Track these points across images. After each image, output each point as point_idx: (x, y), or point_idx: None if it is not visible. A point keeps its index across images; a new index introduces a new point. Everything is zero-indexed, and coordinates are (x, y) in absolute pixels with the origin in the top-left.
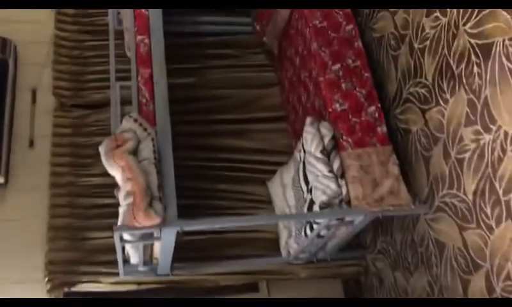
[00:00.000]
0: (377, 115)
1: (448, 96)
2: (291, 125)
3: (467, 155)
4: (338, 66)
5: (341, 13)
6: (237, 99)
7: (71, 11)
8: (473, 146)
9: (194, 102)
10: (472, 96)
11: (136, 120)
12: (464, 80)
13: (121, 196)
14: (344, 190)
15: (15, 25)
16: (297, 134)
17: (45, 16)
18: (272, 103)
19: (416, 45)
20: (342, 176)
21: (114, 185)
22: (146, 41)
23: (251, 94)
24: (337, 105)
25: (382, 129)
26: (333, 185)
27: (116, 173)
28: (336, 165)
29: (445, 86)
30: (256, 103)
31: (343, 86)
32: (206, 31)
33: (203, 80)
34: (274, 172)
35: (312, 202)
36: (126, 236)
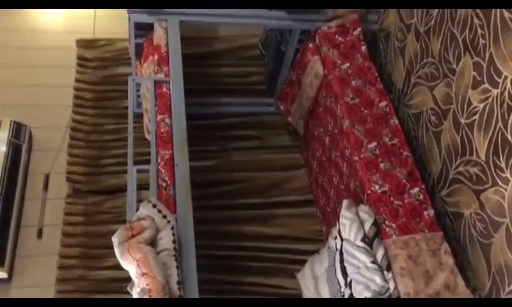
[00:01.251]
0: (422, 197)
1: (508, 174)
2: (321, 209)
3: None
4: (374, 144)
5: (373, 89)
6: (261, 182)
7: (89, 95)
8: None
9: (217, 186)
10: None
11: (154, 206)
12: None
13: (135, 292)
14: (392, 285)
15: (32, 110)
16: (328, 219)
17: (64, 101)
18: (299, 186)
19: (462, 120)
20: (388, 268)
21: (129, 280)
22: (167, 121)
23: (276, 177)
24: (376, 187)
25: (429, 213)
26: (378, 279)
27: (131, 267)
28: (380, 255)
29: (502, 164)
30: (282, 187)
31: (381, 165)
32: (228, 112)
33: (226, 163)
34: (303, 262)
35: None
36: None
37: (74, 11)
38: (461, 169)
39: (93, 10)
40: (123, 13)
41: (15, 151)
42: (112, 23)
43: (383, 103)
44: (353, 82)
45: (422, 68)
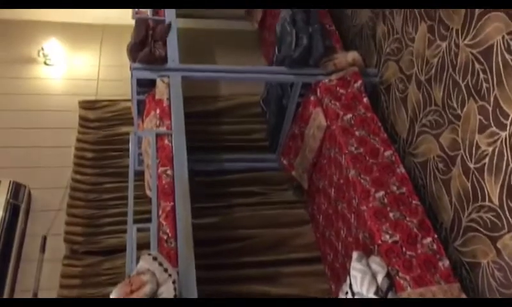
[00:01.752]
0: (435, 247)
1: None
2: (329, 266)
3: None
4: (382, 193)
5: (377, 139)
6: (266, 240)
7: (90, 154)
8: None
9: (220, 244)
10: None
11: (155, 258)
12: None
13: None
14: None
15: (33, 170)
16: (337, 276)
17: (64, 161)
18: (305, 243)
19: (471, 166)
20: None
21: None
22: (169, 172)
23: (281, 233)
24: (387, 237)
25: (444, 264)
26: None
27: None
28: None
29: None
30: (288, 244)
31: (391, 215)
32: (230, 169)
33: (229, 220)
34: None
35: None
36: None
37: (78, 73)
38: (474, 216)
39: (96, 72)
40: (126, 75)
41: (12, 211)
42: (115, 85)
43: (388, 153)
44: (357, 133)
45: (425, 116)
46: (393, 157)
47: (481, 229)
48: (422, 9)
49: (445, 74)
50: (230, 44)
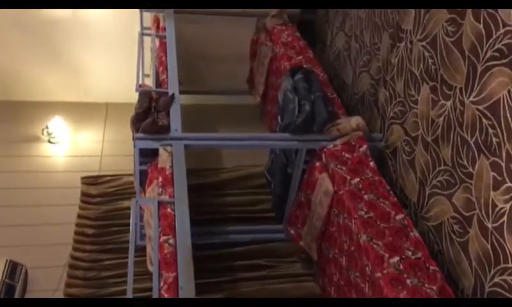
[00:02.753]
0: None
1: None
2: None
3: None
4: (396, 259)
5: (387, 202)
6: None
7: (90, 230)
8: None
9: None
10: None
11: None
12: None
13: None
14: None
15: (31, 249)
16: None
17: (65, 239)
18: None
19: (490, 225)
20: None
21: None
22: (171, 241)
23: None
24: None
25: None
26: None
27: None
28: None
29: None
30: None
31: (408, 281)
32: (235, 241)
33: (234, 295)
34: None
35: None
36: None
37: (81, 150)
38: (497, 280)
39: (100, 148)
40: (129, 150)
41: (7, 291)
42: (118, 160)
43: (400, 216)
44: (365, 197)
45: (435, 177)
46: (405, 221)
47: (506, 294)
48: (423, 72)
49: (452, 133)
50: (232, 118)
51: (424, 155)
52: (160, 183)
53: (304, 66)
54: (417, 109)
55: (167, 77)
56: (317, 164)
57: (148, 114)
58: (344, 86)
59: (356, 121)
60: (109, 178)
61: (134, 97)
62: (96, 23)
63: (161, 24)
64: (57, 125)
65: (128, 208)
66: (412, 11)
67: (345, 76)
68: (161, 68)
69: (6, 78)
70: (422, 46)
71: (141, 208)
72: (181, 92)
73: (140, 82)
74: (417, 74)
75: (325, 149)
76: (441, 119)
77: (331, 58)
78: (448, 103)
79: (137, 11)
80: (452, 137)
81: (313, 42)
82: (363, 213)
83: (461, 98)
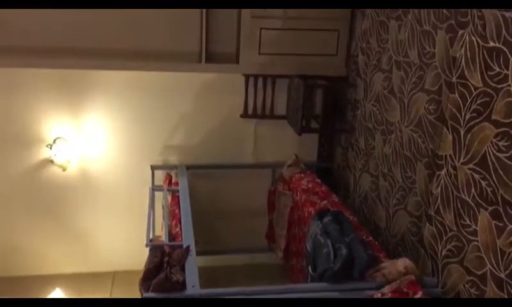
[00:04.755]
0: None
1: None
2: None
3: None
4: None
5: None
6: None
7: None
8: None
9: None
10: None
11: None
12: None
13: None
14: None
15: None
16: None
17: None
18: None
19: (502, 275)
20: None
21: None
22: None
23: None
24: None
25: None
26: None
27: None
28: None
29: None
30: None
31: None
32: None
33: None
34: None
35: None
36: None
37: None
38: None
39: None
40: None
41: None
42: None
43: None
44: None
45: None
46: None
47: None
48: (478, 197)
49: None
50: (253, 279)
51: (498, 296)
52: None
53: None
54: (478, 240)
55: (180, 230)
56: None
57: (160, 269)
58: (378, 230)
59: (403, 263)
60: None
61: (142, 264)
62: (105, 186)
63: (173, 180)
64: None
65: None
66: (449, 135)
67: (377, 218)
68: (174, 222)
69: (5, 253)
70: (470, 169)
71: None
72: (196, 253)
73: (151, 236)
74: (469, 201)
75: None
76: None
77: (357, 203)
78: None
79: (148, 170)
80: None
81: (333, 190)
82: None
83: None
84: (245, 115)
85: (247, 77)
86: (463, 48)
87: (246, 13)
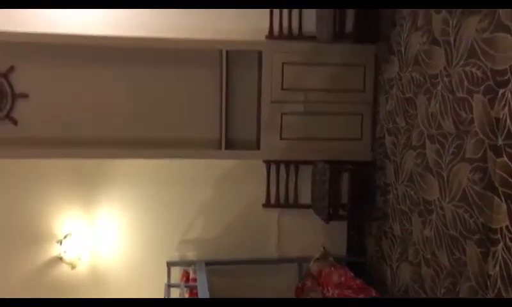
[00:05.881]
0: None
1: None
2: None
3: None
4: None
5: None
6: None
7: None
8: None
9: None
10: None
11: None
12: None
13: None
14: None
15: None
16: None
17: None
18: None
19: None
20: None
21: None
22: None
23: None
24: None
25: None
26: None
27: None
28: None
29: None
30: None
31: None
32: None
33: None
34: None
35: None
36: None
37: None
38: None
39: None
40: None
41: None
42: None
43: None
44: None
45: None
46: None
47: None
48: None
49: None
50: None
51: None
52: None
53: None
54: None
55: None
56: None
57: None
58: None
59: None
60: None
61: None
62: (116, 284)
63: (191, 276)
64: None
65: None
66: (502, 204)
67: None
68: None
69: None
70: None
71: None
72: None
73: None
74: None
75: None
76: None
77: (396, 296)
78: None
79: (163, 267)
80: None
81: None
82: None
83: None
84: (267, 204)
85: (268, 163)
86: (506, 107)
87: (265, 98)
